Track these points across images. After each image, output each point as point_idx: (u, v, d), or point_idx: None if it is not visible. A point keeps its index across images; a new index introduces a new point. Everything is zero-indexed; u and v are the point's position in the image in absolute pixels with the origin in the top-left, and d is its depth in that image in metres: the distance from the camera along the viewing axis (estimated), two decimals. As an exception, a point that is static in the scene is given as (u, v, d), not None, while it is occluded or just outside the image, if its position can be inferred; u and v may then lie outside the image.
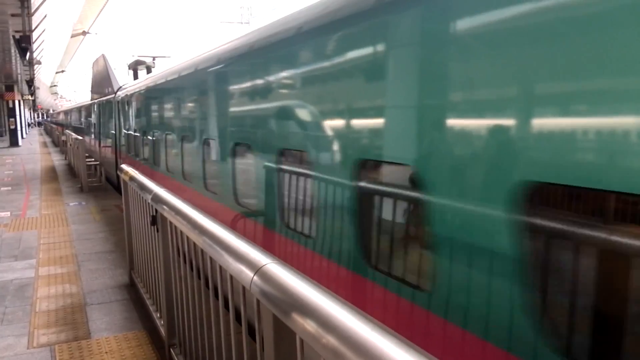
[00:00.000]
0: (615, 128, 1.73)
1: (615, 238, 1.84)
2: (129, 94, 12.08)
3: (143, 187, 4.51)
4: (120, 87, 14.03)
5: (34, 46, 18.53)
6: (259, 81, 4.64)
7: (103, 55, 17.03)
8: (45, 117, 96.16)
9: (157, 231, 4.04)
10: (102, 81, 17.17)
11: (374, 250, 3.11)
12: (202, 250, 2.84)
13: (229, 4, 63.84)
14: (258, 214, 4.73)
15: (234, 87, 5.40)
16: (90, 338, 4.73)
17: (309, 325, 1.58)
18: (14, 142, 33.78)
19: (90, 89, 21.62)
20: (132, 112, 11.88)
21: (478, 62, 2.29)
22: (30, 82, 31.52)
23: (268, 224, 4.49)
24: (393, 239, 3.02)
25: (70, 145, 18.78)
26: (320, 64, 3.59)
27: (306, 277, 1.82)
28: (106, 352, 4.44)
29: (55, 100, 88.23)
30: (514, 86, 2.10)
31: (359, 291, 3.14)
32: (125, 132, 12.66)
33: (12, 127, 34.26)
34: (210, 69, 6.06)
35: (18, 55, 18.28)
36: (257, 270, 2.00)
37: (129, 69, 17.95)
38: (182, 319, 3.65)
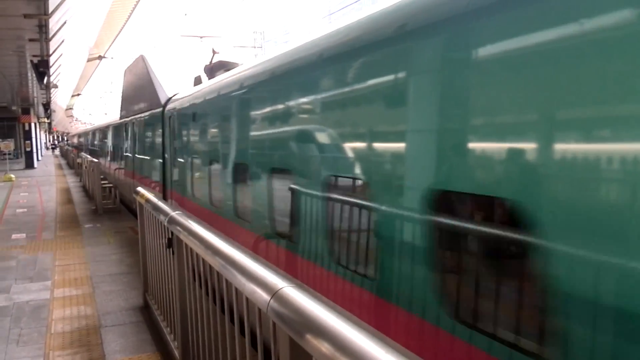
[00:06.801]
0: None
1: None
2: None
3: (158, 210, 4.55)
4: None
5: (51, 70, 18.83)
6: None
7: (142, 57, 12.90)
8: (61, 139, 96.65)
9: (173, 253, 4.07)
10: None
11: None
12: (217, 273, 2.86)
13: (242, 29, 66.02)
14: None
15: None
16: (105, 360, 4.75)
17: (326, 348, 1.59)
18: (29, 164, 34.20)
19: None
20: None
21: None
22: (46, 105, 31.99)
23: None
24: None
25: (86, 167, 18.99)
26: None
27: (323, 300, 1.84)
28: (120, 375, 4.46)
29: (70, 123, 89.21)
30: None
31: None
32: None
33: (28, 149, 34.77)
34: None
35: (35, 79, 18.58)
36: (274, 293, 2.02)
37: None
38: (197, 342, 3.66)
